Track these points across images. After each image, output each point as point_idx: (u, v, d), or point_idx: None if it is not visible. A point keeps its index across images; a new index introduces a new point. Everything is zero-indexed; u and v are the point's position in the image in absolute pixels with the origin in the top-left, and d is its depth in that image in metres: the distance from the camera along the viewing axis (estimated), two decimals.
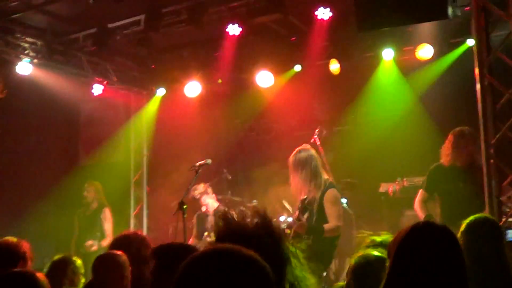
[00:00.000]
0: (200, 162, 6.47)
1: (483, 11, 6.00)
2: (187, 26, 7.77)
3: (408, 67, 8.46)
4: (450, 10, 6.10)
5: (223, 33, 8.00)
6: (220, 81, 9.42)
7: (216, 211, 7.25)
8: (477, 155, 6.05)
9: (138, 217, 10.01)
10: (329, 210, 5.77)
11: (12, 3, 7.43)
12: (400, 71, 8.56)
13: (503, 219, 5.73)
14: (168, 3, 7.77)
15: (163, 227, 8.67)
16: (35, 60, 8.59)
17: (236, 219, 2.22)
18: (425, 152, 7.37)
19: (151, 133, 10.18)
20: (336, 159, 7.99)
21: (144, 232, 9.83)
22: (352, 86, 8.86)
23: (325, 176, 5.95)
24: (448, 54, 8.14)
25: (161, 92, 9.88)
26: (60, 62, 8.78)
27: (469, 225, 3.59)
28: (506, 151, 6.05)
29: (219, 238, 2.17)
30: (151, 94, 9.99)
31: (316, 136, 7.55)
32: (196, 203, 7.65)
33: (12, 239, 3.93)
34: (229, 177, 9.15)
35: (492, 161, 5.83)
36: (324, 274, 6.02)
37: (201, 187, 7.52)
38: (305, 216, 5.75)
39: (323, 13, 7.65)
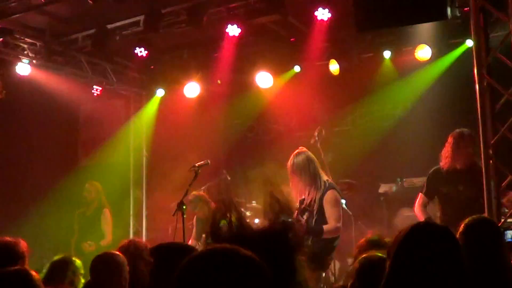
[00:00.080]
0: (199, 163, 6.47)
1: (482, 12, 6.00)
2: (187, 27, 7.77)
3: (407, 68, 8.47)
4: (449, 11, 6.10)
5: (222, 34, 8.00)
6: (219, 82, 9.42)
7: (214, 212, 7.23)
8: (477, 157, 6.05)
9: (137, 217, 10.01)
10: (329, 211, 5.76)
11: (11, 4, 7.43)
12: (399, 72, 8.56)
13: (502, 220, 5.73)
14: (168, 3, 7.77)
15: (162, 228, 8.67)
16: (34, 61, 8.59)
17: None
18: (425, 153, 7.38)
19: (151, 134, 10.18)
20: (335, 160, 7.99)
21: (144, 232, 9.84)
22: (352, 86, 8.86)
23: (324, 177, 5.95)
24: (447, 55, 8.15)
25: (160, 92, 9.89)
26: (59, 63, 8.79)
27: (467, 226, 3.59)
28: (505, 151, 6.05)
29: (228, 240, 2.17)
30: (151, 94, 9.99)
31: (315, 136, 7.55)
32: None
33: (9, 238, 3.93)
34: (229, 178, 9.15)
35: (491, 161, 5.83)
36: (323, 274, 6.02)
37: (194, 196, 7.45)
38: (305, 217, 5.75)
39: (323, 14, 7.65)
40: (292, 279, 2.49)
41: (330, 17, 7.67)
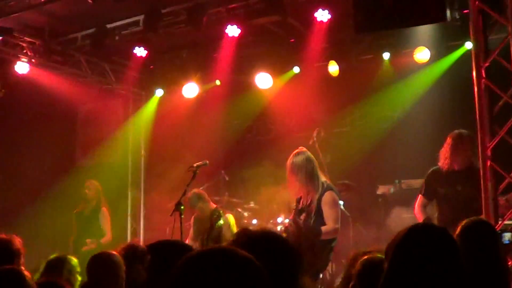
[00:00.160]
0: (198, 163, 6.46)
1: (481, 14, 6.01)
2: (186, 27, 7.78)
3: (406, 70, 8.47)
4: (448, 13, 6.11)
5: (222, 34, 8.00)
6: (218, 82, 9.42)
7: (212, 213, 7.23)
8: (475, 158, 6.05)
9: (135, 217, 10.00)
10: (327, 212, 5.76)
11: (10, 3, 7.43)
12: (398, 74, 8.57)
13: (500, 222, 5.73)
14: (167, 4, 7.78)
15: (160, 228, 8.65)
16: (33, 60, 8.59)
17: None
18: (423, 155, 7.38)
19: (149, 134, 10.17)
20: (334, 161, 7.99)
21: (141, 232, 9.84)
22: (351, 88, 8.86)
23: (323, 178, 5.95)
24: (446, 57, 8.15)
25: (159, 93, 9.89)
26: (58, 62, 8.79)
27: (464, 228, 3.60)
28: (503, 153, 6.06)
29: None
30: (150, 94, 9.99)
31: (314, 137, 7.55)
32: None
33: (4, 236, 3.93)
34: (227, 179, 9.15)
35: (489, 163, 5.84)
36: (321, 275, 6.02)
37: (194, 194, 7.43)
38: (302, 217, 5.75)
39: (322, 15, 7.66)
40: (291, 280, 2.50)
41: (330, 19, 7.68)
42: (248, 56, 8.93)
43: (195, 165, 6.45)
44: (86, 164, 10.41)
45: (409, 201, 6.81)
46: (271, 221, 8.45)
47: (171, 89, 9.70)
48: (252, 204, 8.83)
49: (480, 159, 5.87)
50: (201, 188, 8.30)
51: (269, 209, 8.77)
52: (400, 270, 2.35)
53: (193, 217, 7.67)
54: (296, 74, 8.93)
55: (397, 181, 8.07)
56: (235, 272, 1.55)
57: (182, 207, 5.99)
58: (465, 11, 6.50)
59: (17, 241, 3.87)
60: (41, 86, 9.01)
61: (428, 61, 8.14)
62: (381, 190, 8.27)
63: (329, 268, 6.69)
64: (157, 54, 9.27)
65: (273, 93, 9.24)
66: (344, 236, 7.26)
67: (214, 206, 7.58)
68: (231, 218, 7.44)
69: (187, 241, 7.30)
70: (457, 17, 6.50)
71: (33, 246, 4.39)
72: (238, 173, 9.51)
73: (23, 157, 10.13)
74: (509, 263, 4.86)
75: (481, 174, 5.82)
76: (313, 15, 7.67)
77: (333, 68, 8.53)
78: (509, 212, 5.77)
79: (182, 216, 6.05)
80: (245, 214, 8.67)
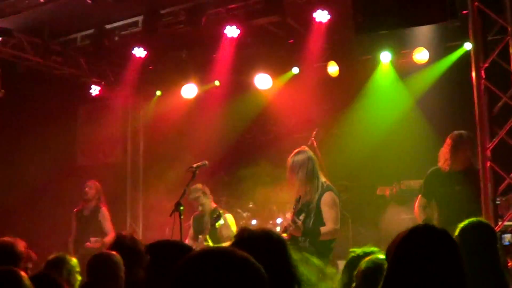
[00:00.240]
0: (197, 164, 6.47)
1: (480, 15, 6.03)
2: (186, 28, 7.78)
3: (405, 70, 8.47)
4: (447, 14, 6.12)
5: (221, 35, 8.00)
6: (217, 83, 9.42)
7: (212, 212, 7.24)
8: (475, 159, 6.06)
9: (134, 217, 10.00)
10: (327, 213, 5.76)
11: (10, 2, 7.43)
12: (397, 74, 8.57)
13: (499, 223, 5.74)
14: (167, 4, 7.78)
15: (159, 228, 8.66)
16: (33, 60, 8.59)
17: None
18: (422, 155, 7.38)
19: (148, 134, 10.17)
20: (333, 162, 7.98)
21: (140, 232, 9.84)
22: (350, 88, 8.86)
23: (322, 178, 5.95)
24: (445, 58, 8.15)
25: (158, 93, 9.88)
26: (57, 63, 8.79)
27: (463, 229, 3.60)
28: (502, 154, 6.06)
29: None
30: (149, 95, 9.99)
31: (313, 138, 7.55)
32: (193, 204, 7.64)
33: (8, 239, 3.92)
34: (226, 179, 9.15)
35: (488, 164, 5.84)
36: (321, 276, 6.01)
37: (199, 187, 7.49)
38: (301, 217, 5.74)
39: (321, 16, 7.66)
40: (290, 278, 2.50)
41: (329, 19, 7.68)
42: (247, 57, 8.93)
43: (194, 165, 6.45)
44: (85, 164, 10.41)
45: (408, 201, 6.82)
46: (270, 221, 8.46)
47: (170, 89, 9.70)
48: (251, 205, 8.83)
49: (479, 160, 5.88)
50: None
51: (268, 210, 8.78)
52: (401, 271, 2.36)
53: (192, 216, 7.68)
54: (295, 75, 8.94)
55: (396, 181, 8.06)
56: (234, 273, 1.55)
57: (181, 208, 5.99)
58: (465, 11, 6.51)
59: (21, 245, 3.86)
60: (41, 86, 9.02)
61: (427, 61, 8.15)
62: (380, 190, 8.27)
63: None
64: (157, 55, 9.27)
65: (272, 94, 9.24)
66: (343, 237, 7.27)
67: (215, 205, 7.60)
68: (230, 218, 7.45)
69: (186, 241, 7.31)
70: (457, 17, 6.50)
71: (33, 246, 4.38)
72: (237, 173, 9.51)
73: (23, 157, 10.13)
74: (509, 264, 4.87)
75: (481, 175, 5.83)
76: (313, 15, 7.67)
77: (333, 68, 8.53)
78: (508, 213, 5.78)
79: (182, 217, 6.05)
80: (244, 214, 8.67)
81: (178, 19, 7.82)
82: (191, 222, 7.72)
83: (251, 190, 9.09)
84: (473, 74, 6.00)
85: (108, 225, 8.34)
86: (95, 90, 9.59)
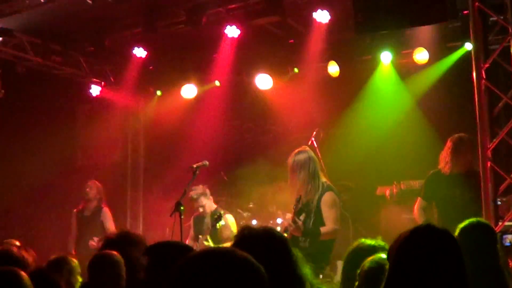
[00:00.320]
0: (197, 164, 6.47)
1: (481, 15, 6.02)
2: (186, 28, 7.77)
3: (406, 70, 8.47)
4: (448, 14, 6.11)
5: (221, 35, 8.00)
6: (218, 83, 9.41)
7: (213, 213, 7.24)
8: (475, 161, 6.06)
9: (135, 217, 10.00)
10: (327, 213, 5.76)
11: (11, 3, 7.43)
12: (398, 74, 8.56)
13: (500, 223, 5.74)
14: (167, 4, 7.77)
15: (160, 228, 8.66)
16: (33, 60, 8.59)
17: None
18: (422, 156, 7.38)
19: (149, 135, 10.17)
20: (333, 162, 7.98)
21: (140, 233, 9.82)
22: (350, 88, 8.86)
23: (323, 178, 5.95)
24: (446, 58, 8.14)
25: (159, 93, 9.88)
26: (57, 63, 8.78)
27: (462, 230, 3.61)
28: (503, 155, 6.06)
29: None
30: (149, 95, 9.99)
31: (313, 138, 7.55)
32: (193, 204, 7.64)
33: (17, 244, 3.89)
34: (226, 179, 9.14)
35: (489, 165, 5.84)
36: (320, 276, 6.01)
37: (199, 188, 7.50)
38: (302, 217, 5.74)
39: (322, 16, 7.65)
40: (291, 277, 2.50)
41: (329, 19, 7.67)
42: (247, 57, 8.92)
43: (194, 165, 6.45)
44: (85, 164, 10.41)
45: (409, 202, 6.81)
46: (270, 221, 8.46)
47: (170, 89, 9.70)
48: (251, 205, 8.83)
49: (480, 160, 5.88)
50: None
51: (269, 210, 8.78)
52: (403, 271, 2.36)
53: (192, 217, 7.67)
54: (296, 75, 8.93)
55: (396, 182, 8.06)
56: (234, 273, 1.55)
57: (182, 208, 5.99)
58: (465, 12, 6.51)
59: (30, 253, 3.84)
60: (41, 86, 9.02)
61: (427, 62, 8.14)
62: (380, 191, 8.26)
63: (327, 269, 6.68)
64: (157, 55, 9.27)
65: (272, 94, 9.23)
66: (343, 237, 7.26)
67: (215, 206, 7.59)
68: (231, 218, 7.45)
69: (187, 242, 7.31)
70: (457, 17, 6.50)
71: (33, 246, 4.39)
72: (237, 173, 9.50)
73: (23, 157, 10.12)
74: (511, 264, 4.86)
75: (481, 175, 5.83)
76: (313, 15, 7.67)
77: (334, 68, 8.52)
78: (509, 213, 5.78)
79: (182, 217, 6.05)
80: (245, 214, 8.67)
81: (178, 19, 7.82)
82: (191, 222, 7.71)
83: (251, 190, 9.09)
84: (474, 74, 5.99)
85: (110, 225, 8.33)
86: (95, 90, 9.58)
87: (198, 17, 7.61)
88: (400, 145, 8.28)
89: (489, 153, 5.87)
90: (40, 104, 9.83)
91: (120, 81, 9.67)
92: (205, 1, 7.63)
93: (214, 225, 6.89)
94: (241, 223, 8.29)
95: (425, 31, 7.88)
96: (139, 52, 8.71)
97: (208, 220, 7.36)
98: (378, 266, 2.88)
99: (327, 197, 5.80)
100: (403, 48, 8.27)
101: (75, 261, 4.46)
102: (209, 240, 7.05)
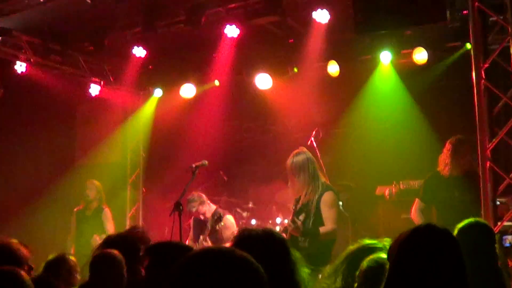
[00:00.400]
0: (197, 163, 6.46)
1: (480, 15, 6.02)
2: (185, 27, 7.77)
3: (405, 70, 8.46)
4: (448, 14, 6.11)
5: (221, 35, 7.99)
6: (217, 82, 9.41)
7: (214, 214, 7.24)
8: (475, 163, 6.06)
9: (134, 217, 9.99)
10: (326, 213, 5.76)
11: (10, 2, 7.42)
12: (397, 74, 8.56)
13: (499, 224, 5.74)
14: (167, 4, 7.77)
15: (159, 228, 8.66)
16: (32, 60, 8.58)
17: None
18: (422, 156, 7.39)
19: (148, 134, 10.16)
20: (332, 162, 7.99)
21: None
22: (350, 88, 8.86)
23: (322, 178, 5.95)
24: (445, 58, 8.14)
25: (158, 93, 9.87)
26: (57, 62, 8.77)
27: (460, 230, 3.60)
28: (502, 155, 6.06)
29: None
30: (148, 94, 9.98)
31: (313, 138, 7.55)
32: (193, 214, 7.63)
33: (14, 242, 3.88)
34: (226, 179, 9.14)
35: (488, 165, 5.84)
36: (320, 276, 6.01)
37: (195, 198, 7.45)
38: (301, 217, 5.74)
39: (321, 16, 7.64)
40: (288, 280, 2.50)
41: (329, 19, 7.66)
42: (247, 56, 8.92)
43: (194, 165, 6.45)
44: (85, 163, 10.41)
45: (408, 201, 6.81)
46: (270, 221, 8.46)
47: (170, 89, 9.69)
48: (250, 205, 8.83)
49: (479, 160, 5.88)
50: (200, 188, 8.31)
51: (268, 210, 8.78)
52: (403, 271, 2.35)
53: (192, 217, 7.67)
54: (295, 75, 8.92)
55: (396, 181, 8.06)
56: (233, 272, 1.55)
57: (181, 207, 5.98)
58: (465, 12, 6.51)
59: (22, 248, 3.83)
60: (40, 86, 9.01)
61: (427, 62, 8.13)
62: (380, 190, 8.26)
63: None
64: (156, 54, 9.25)
65: (271, 94, 9.23)
66: (343, 237, 7.26)
67: (214, 207, 7.59)
68: (231, 219, 7.45)
69: (187, 242, 7.31)
70: (457, 18, 6.50)
71: (31, 245, 4.38)
72: (237, 173, 9.51)
73: (22, 157, 10.13)
74: (510, 265, 4.86)
75: (481, 175, 5.83)
76: (312, 15, 7.66)
77: (334, 68, 8.51)
78: (508, 214, 5.78)
79: (181, 217, 6.04)
80: (244, 214, 8.67)
81: (178, 19, 7.81)
82: (191, 223, 7.71)
83: (250, 190, 9.10)
84: (473, 74, 5.99)
85: (110, 227, 8.33)
86: (94, 89, 9.57)
87: (198, 16, 7.60)
88: (400, 145, 8.28)
89: (488, 153, 5.87)
90: (39, 103, 9.82)
91: (119, 80, 9.67)
92: (205, 1, 7.62)
93: (214, 226, 6.89)
94: (241, 222, 8.30)
95: (425, 31, 7.88)
96: (139, 51, 8.70)
97: (209, 221, 7.35)
98: (377, 265, 2.88)
99: (327, 197, 5.80)
100: (402, 48, 8.26)
101: (73, 260, 4.46)
102: (209, 241, 7.05)
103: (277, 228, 8.12)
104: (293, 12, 7.72)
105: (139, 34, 8.19)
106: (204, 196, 7.55)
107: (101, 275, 3.72)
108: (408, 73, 8.44)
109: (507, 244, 5.32)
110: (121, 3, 7.36)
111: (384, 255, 2.89)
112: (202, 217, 7.43)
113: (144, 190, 10.07)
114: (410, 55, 8.14)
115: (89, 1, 7.01)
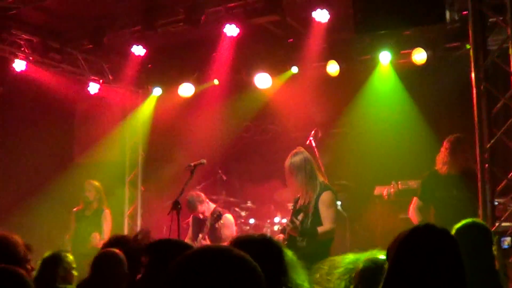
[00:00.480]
0: (195, 162, 6.46)
1: (480, 16, 6.02)
2: (185, 26, 7.76)
3: (404, 71, 8.47)
4: (447, 14, 6.11)
5: (220, 34, 7.99)
6: (216, 81, 9.41)
7: (213, 212, 7.23)
8: (472, 162, 6.06)
9: (132, 216, 9.99)
10: (324, 212, 5.76)
11: (8, 0, 7.41)
12: (396, 75, 8.56)
13: (496, 224, 5.74)
14: (166, 2, 7.76)
15: (157, 227, 8.66)
16: (31, 58, 8.57)
17: None
18: (420, 156, 7.39)
19: (147, 133, 10.16)
20: (331, 161, 7.99)
21: (138, 231, 9.80)
22: (349, 88, 8.86)
23: (320, 178, 5.95)
24: (445, 59, 8.14)
25: (157, 91, 9.87)
26: (56, 60, 8.76)
27: (458, 230, 3.60)
28: (500, 156, 6.07)
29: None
30: (147, 93, 9.98)
31: (311, 138, 7.55)
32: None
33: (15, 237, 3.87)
34: (224, 178, 9.14)
35: (486, 166, 5.84)
36: (318, 276, 6.01)
37: (194, 198, 7.44)
38: (300, 217, 5.75)
39: (321, 15, 7.64)
40: (284, 279, 2.49)
41: (329, 19, 7.66)
42: (246, 56, 8.91)
43: (192, 164, 6.44)
44: (83, 162, 10.39)
45: (406, 202, 6.81)
46: (268, 220, 8.46)
47: (169, 88, 9.69)
48: (249, 204, 8.83)
49: (477, 160, 5.88)
50: (198, 187, 8.31)
51: (266, 209, 8.78)
52: (402, 271, 2.35)
53: (192, 216, 7.67)
54: (294, 74, 8.92)
55: (394, 181, 8.06)
56: (231, 271, 1.55)
57: (179, 206, 5.98)
58: (464, 12, 6.51)
59: (21, 244, 3.82)
60: (39, 84, 8.99)
61: (426, 62, 8.13)
62: (378, 190, 8.27)
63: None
64: (155, 53, 9.25)
65: (270, 93, 9.23)
66: (341, 237, 7.26)
67: (213, 205, 7.59)
68: (230, 217, 7.45)
69: (185, 241, 7.30)
70: (456, 18, 6.50)
71: (30, 243, 4.37)
72: (236, 172, 9.52)
73: (20, 155, 10.11)
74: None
75: (479, 176, 5.83)
76: (312, 15, 7.66)
77: (334, 68, 8.50)
78: (505, 214, 5.79)
79: (180, 215, 6.04)
80: (242, 213, 8.68)
81: (178, 18, 7.80)
82: (190, 221, 7.71)
83: (249, 189, 9.10)
84: (473, 75, 6.00)
85: (107, 228, 8.31)
86: (93, 88, 9.56)
87: (197, 15, 7.60)
88: (398, 145, 8.28)
89: (486, 154, 5.87)
90: (38, 101, 9.80)
91: (118, 79, 9.66)
92: (204, 0, 7.62)
93: (213, 224, 6.89)
94: (239, 222, 8.30)
95: (424, 31, 7.88)
96: (138, 50, 8.69)
97: (209, 220, 7.35)
98: (374, 265, 2.88)
99: (325, 196, 5.80)
100: (402, 48, 8.26)
101: (70, 257, 4.45)
102: (208, 239, 7.05)
103: (275, 228, 8.13)
104: (293, 12, 7.72)
105: (138, 33, 8.18)
106: (203, 195, 7.55)
107: (104, 273, 3.71)
108: (407, 73, 8.44)
109: (505, 246, 5.32)
110: (120, 1, 7.37)
111: (380, 256, 2.89)
112: (201, 216, 7.43)
113: (142, 189, 10.06)
114: (409, 55, 8.14)
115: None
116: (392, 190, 8.03)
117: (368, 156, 8.63)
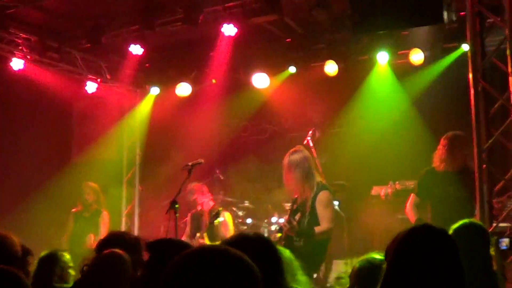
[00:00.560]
0: (193, 162, 6.46)
1: (478, 16, 6.03)
2: (183, 25, 7.76)
3: (402, 71, 8.48)
4: (445, 15, 6.12)
5: (218, 33, 7.99)
6: (214, 81, 9.41)
7: (211, 210, 7.24)
8: (470, 159, 6.06)
9: (130, 215, 9.98)
10: (321, 212, 5.77)
11: None
12: (394, 75, 8.57)
13: (494, 224, 5.75)
14: (164, 2, 7.76)
15: (155, 226, 8.65)
16: (29, 57, 8.56)
17: None
18: (418, 156, 7.38)
19: (144, 132, 10.15)
20: (328, 161, 7.99)
21: (136, 230, 9.81)
22: (346, 88, 8.87)
23: (318, 178, 5.96)
24: (443, 59, 8.15)
25: (155, 91, 9.86)
26: (54, 59, 8.75)
27: (455, 230, 3.60)
28: (498, 156, 6.07)
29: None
30: (145, 92, 9.97)
31: (309, 137, 7.55)
32: (189, 202, 7.63)
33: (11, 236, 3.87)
34: (222, 178, 9.14)
35: (484, 166, 5.85)
36: (315, 275, 6.02)
37: (196, 188, 7.48)
38: (297, 217, 5.75)
39: (318, 15, 7.63)
40: (282, 279, 2.50)
41: (326, 19, 7.66)
42: (244, 55, 8.92)
43: (190, 163, 6.45)
44: (81, 161, 10.38)
45: (404, 202, 6.81)
46: (265, 220, 8.46)
47: (166, 87, 9.68)
48: (246, 203, 8.83)
49: (475, 161, 5.89)
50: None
51: (264, 209, 8.78)
52: (401, 271, 2.35)
53: (190, 214, 7.67)
54: (292, 74, 8.92)
55: (392, 182, 8.06)
56: (228, 271, 1.55)
57: (177, 206, 5.99)
58: (462, 13, 6.52)
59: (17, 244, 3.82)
60: (37, 83, 8.98)
61: (423, 62, 8.15)
62: (375, 190, 8.26)
63: (322, 268, 6.70)
64: (153, 52, 9.25)
65: (268, 93, 9.23)
66: (339, 237, 7.26)
67: (213, 203, 7.60)
68: (228, 216, 7.45)
69: (182, 239, 7.30)
70: (454, 19, 6.51)
71: (26, 241, 4.37)
72: (233, 172, 9.50)
73: (18, 154, 10.09)
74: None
75: (476, 176, 5.84)
76: (310, 15, 7.65)
77: (332, 67, 8.51)
78: (503, 214, 5.80)
79: (177, 215, 6.04)
80: (240, 213, 8.67)
81: (175, 17, 7.80)
82: (188, 219, 7.71)
83: (246, 189, 9.09)
84: (470, 75, 6.00)
85: (103, 229, 8.29)
86: (91, 87, 9.55)
87: (195, 15, 7.60)
88: (396, 145, 8.29)
89: (484, 154, 5.88)
90: (35, 100, 9.79)
91: (116, 78, 9.65)
92: None
93: (212, 222, 6.88)
94: (236, 221, 8.30)
95: (422, 32, 7.89)
96: (136, 49, 8.68)
97: (205, 218, 7.35)
98: (370, 265, 2.88)
99: (322, 196, 5.81)
100: (399, 49, 8.28)
101: (67, 256, 4.43)
102: (205, 238, 7.05)
103: (273, 227, 8.13)
104: (291, 12, 7.72)
105: (136, 32, 8.18)
106: (206, 187, 7.57)
107: (108, 273, 3.70)
108: (405, 73, 8.45)
109: (503, 247, 5.32)
110: (118, 1, 7.36)
111: (376, 255, 2.89)
112: (199, 208, 7.43)
113: (140, 188, 10.05)
114: (407, 55, 8.15)
115: None
116: (389, 190, 8.03)
117: (366, 156, 8.63)
